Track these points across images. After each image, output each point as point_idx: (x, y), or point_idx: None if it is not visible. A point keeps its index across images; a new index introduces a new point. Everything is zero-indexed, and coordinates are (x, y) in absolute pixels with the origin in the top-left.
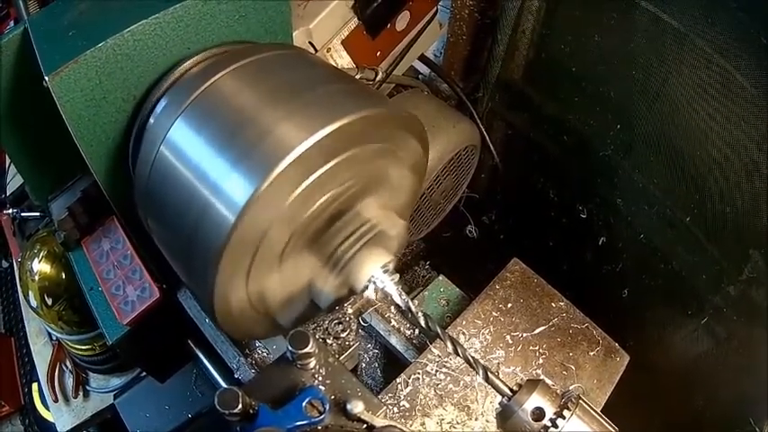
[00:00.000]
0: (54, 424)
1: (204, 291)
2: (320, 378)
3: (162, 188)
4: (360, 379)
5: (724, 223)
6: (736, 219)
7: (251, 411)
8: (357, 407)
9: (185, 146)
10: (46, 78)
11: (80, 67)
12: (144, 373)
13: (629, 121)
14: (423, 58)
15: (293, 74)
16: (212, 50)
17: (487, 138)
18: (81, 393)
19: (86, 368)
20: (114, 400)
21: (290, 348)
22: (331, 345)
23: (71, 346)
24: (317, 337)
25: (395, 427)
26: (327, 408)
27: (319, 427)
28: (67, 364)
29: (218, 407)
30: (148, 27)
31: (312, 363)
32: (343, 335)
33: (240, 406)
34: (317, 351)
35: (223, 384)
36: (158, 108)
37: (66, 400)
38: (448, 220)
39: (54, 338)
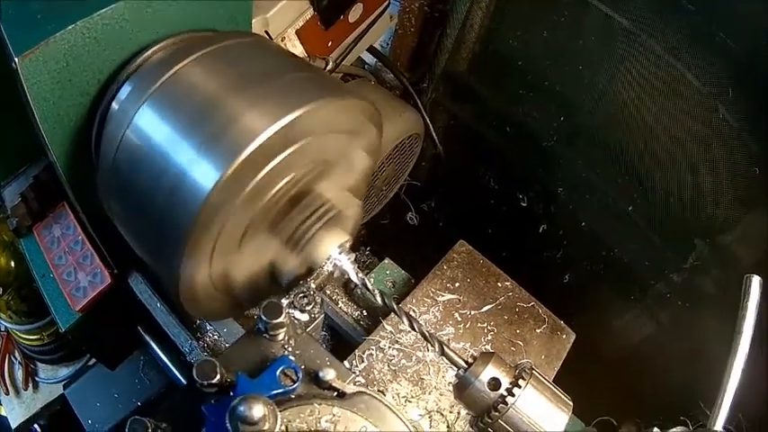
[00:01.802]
0: (6, 418)
1: (170, 272)
2: (290, 349)
3: (128, 172)
4: None
5: (668, 213)
6: (680, 209)
7: (225, 383)
8: (329, 374)
9: (152, 131)
10: (15, 60)
11: (50, 49)
12: (91, 363)
13: (573, 113)
14: (370, 49)
15: (256, 62)
16: (176, 37)
17: (431, 127)
18: (31, 385)
19: (35, 359)
20: (64, 389)
21: (263, 318)
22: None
23: (20, 337)
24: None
25: (364, 392)
26: (300, 376)
27: (293, 396)
28: (16, 355)
29: (196, 377)
30: (117, 11)
31: (282, 334)
32: (308, 308)
33: (218, 376)
34: (287, 322)
35: (173, 369)
36: (123, 93)
37: (17, 392)
38: (388, 207)
39: (2, 329)
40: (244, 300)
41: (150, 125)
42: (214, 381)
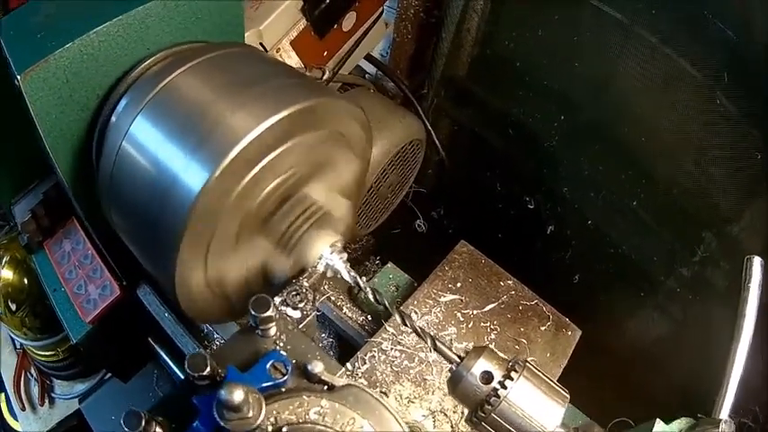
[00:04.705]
0: None
1: (166, 275)
2: (281, 345)
3: (125, 182)
4: None
5: (673, 206)
6: (685, 202)
7: (218, 378)
8: (317, 367)
9: (145, 140)
10: (18, 77)
11: (49, 66)
12: (107, 377)
13: (572, 111)
14: (369, 58)
15: (244, 70)
16: (170, 50)
17: (433, 133)
18: (47, 401)
19: (50, 375)
20: (80, 404)
21: (252, 312)
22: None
23: (35, 353)
24: (278, 307)
25: (353, 385)
26: (290, 369)
27: (283, 389)
28: (32, 371)
29: (187, 370)
30: (113, 28)
31: (273, 330)
32: (300, 305)
33: (209, 369)
34: (277, 317)
35: (183, 377)
36: (120, 106)
37: (33, 408)
38: (397, 216)
39: (18, 346)
40: (239, 302)
41: (144, 135)
42: (205, 373)
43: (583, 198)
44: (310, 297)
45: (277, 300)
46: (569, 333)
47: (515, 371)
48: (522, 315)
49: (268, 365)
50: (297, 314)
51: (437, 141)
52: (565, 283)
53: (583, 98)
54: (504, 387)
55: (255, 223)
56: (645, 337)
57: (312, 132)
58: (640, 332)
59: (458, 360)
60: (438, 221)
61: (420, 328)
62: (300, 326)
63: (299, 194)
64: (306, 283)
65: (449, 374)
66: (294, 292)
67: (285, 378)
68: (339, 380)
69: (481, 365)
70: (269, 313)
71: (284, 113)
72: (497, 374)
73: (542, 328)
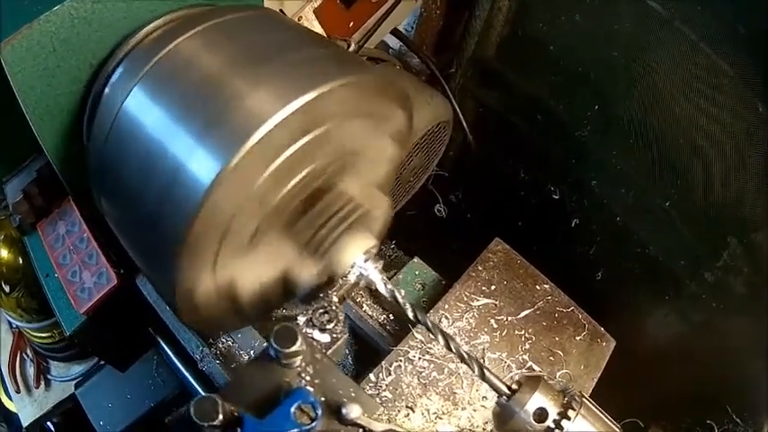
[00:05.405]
0: (17, 416)
1: (166, 280)
2: (308, 378)
3: (117, 165)
4: None
5: (704, 210)
6: (716, 206)
7: (232, 417)
8: (353, 411)
9: (144, 116)
10: None
11: (33, 33)
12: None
13: (607, 101)
14: (395, 32)
15: (264, 36)
16: (178, 13)
17: (461, 115)
18: (43, 383)
19: (47, 356)
20: (75, 389)
21: (275, 346)
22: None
23: (31, 334)
24: (302, 329)
25: (395, 431)
26: (320, 413)
27: None
28: (28, 352)
29: (195, 419)
30: None
31: (298, 360)
32: (329, 326)
33: (221, 416)
34: (303, 348)
35: (186, 374)
36: (115, 76)
37: (29, 390)
38: (415, 199)
39: (14, 327)
40: (252, 312)
41: (142, 109)
42: (216, 423)
43: (612, 193)
44: (341, 316)
45: (301, 320)
46: (604, 344)
47: (572, 408)
48: (558, 323)
49: (293, 408)
50: (325, 338)
51: (465, 123)
52: (587, 279)
53: (619, 89)
54: (561, 428)
55: (279, 223)
56: (664, 340)
57: (349, 115)
58: (659, 334)
59: (508, 393)
60: (456, 205)
61: (467, 353)
62: (329, 351)
63: (333, 190)
64: (335, 298)
65: (496, 407)
66: (322, 310)
67: (314, 424)
68: (378, 424)
69: (536, 401)
70: (295, 348)
71: (317, 92)
72: (552, 412)
73: (577, 338)
